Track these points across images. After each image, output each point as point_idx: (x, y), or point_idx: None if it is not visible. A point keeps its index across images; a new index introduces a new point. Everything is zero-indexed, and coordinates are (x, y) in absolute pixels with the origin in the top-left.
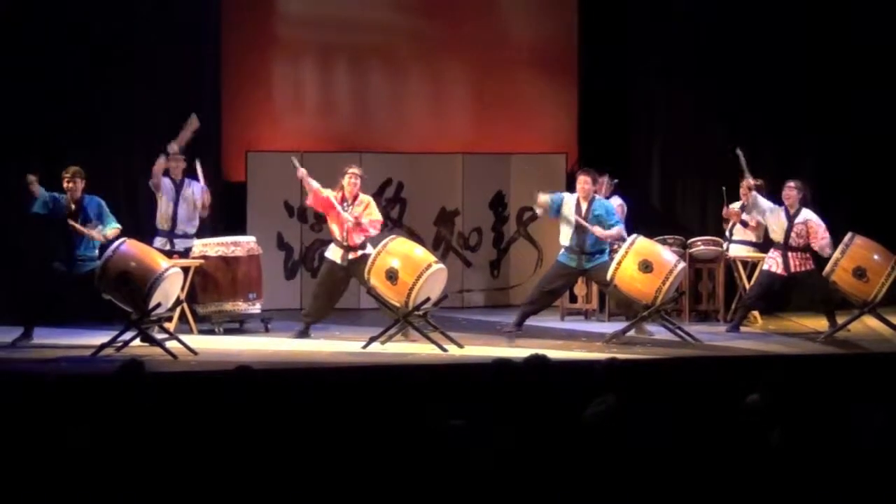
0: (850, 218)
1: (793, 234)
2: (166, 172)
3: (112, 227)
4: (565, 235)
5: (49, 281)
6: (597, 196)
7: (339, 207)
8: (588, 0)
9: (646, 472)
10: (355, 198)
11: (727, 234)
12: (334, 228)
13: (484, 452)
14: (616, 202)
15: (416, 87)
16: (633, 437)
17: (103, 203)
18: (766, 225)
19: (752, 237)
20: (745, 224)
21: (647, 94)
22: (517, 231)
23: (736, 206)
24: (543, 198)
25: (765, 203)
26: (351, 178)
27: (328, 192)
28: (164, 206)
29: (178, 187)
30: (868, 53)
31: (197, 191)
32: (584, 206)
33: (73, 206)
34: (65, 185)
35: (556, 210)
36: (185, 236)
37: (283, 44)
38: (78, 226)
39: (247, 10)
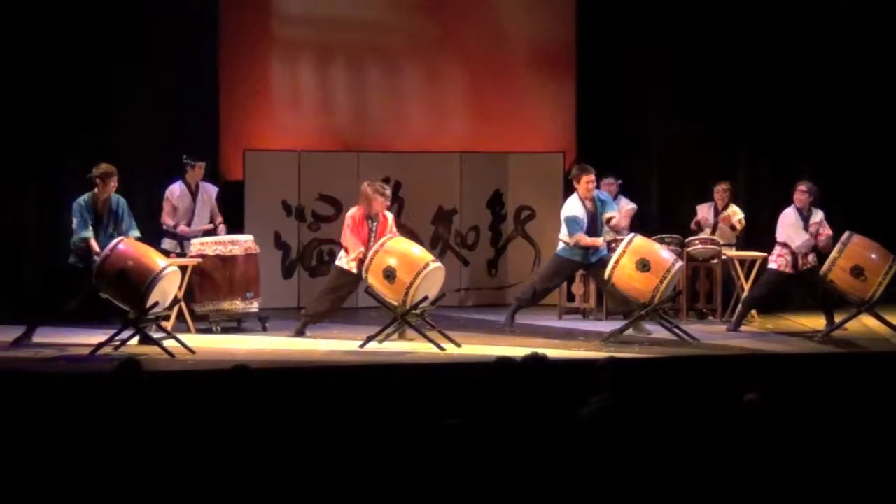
0: (847, 217)
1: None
2: (183, 178)
3: (133, 235)
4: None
5: (69, 280)
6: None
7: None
8: None
9: (643, 471)
10: (377, 214)
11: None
12: (357, 245)
13: (482, 450)
14: (628, 206)
15: (414, 86)
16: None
17: (127, 205)
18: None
19: (732, 239)
20: (733, 228)
21: (645, 93)
22: (515, 230)
23: (706, 206)
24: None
25: (797, 234)
26: (386, 203)
27: (352, 221)
28: (179, 213)
29: (194, 193)
30: (864, 54)
31: (212, 193)
32: (588, 204)
33: (99, 207)
34: (98, 182)
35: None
36: (194, 236)
37: (281, 43)
38: None
39: (245, 10)
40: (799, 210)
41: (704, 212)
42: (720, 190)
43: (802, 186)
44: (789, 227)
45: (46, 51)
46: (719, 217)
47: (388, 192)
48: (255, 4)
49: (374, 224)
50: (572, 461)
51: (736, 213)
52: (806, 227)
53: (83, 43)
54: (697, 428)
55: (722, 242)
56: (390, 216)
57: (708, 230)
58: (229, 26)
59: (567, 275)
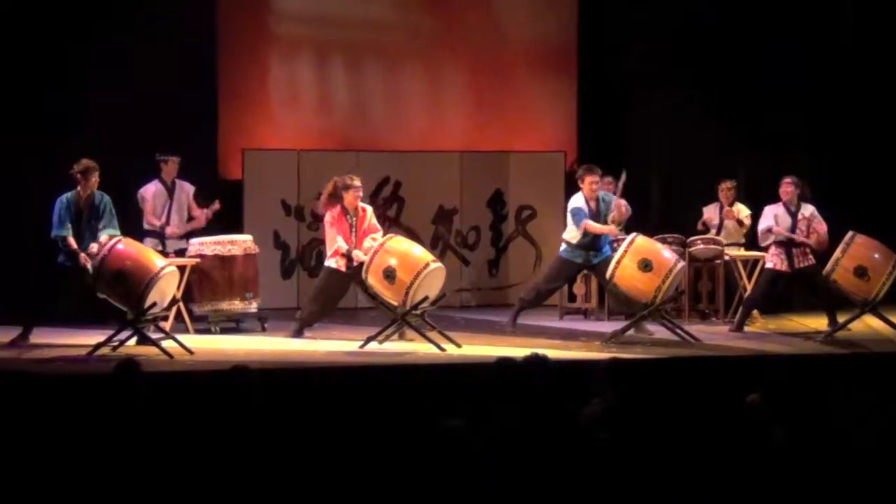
0: (850, 217)
1: (797, 231)
2: (158, 175)
3: (108, 232)
4: (574, 233)
5: (58, 279)
6: (600, 192)
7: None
8: None
9: (645, 473)
10: (355, 208)
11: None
12: (339, 239)
13: (483, 452)
14: (623, 202)
15: (413, 85)
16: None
17: (110, 203)
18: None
19: (740, 239)
20: (740, 223)
21: (646, 92)
22: (515, 230)
23: (713, 206)
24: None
25: (773, 224)
26: (357, 193)
27: (332, 218)
28: (156, 210)
29: (171, 190)
30: (868, 51)
31: (189, 192)
32: (591, 204)
33: (82, 205)
34: (79, 179)
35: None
36: (179, 238)
37: (279, 41)
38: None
39: (243, 7)
40: (786, 205)
41: (710, 212)
42: (724, 188)
43: (787, 179)
44: (763, 217)
45: (42, 48)
46: (723, 213)
47: (357, 181)
48: (253, 2)
49: (354, 219)
50: (573, 463)
51: (742, 211)
52: (793, 223)
53: (80, 41)
54: (699, 430)
55: (726, 242)
56: (369, 209)
57: (713, 230)
58: (228, 24)
59: (570, 276)
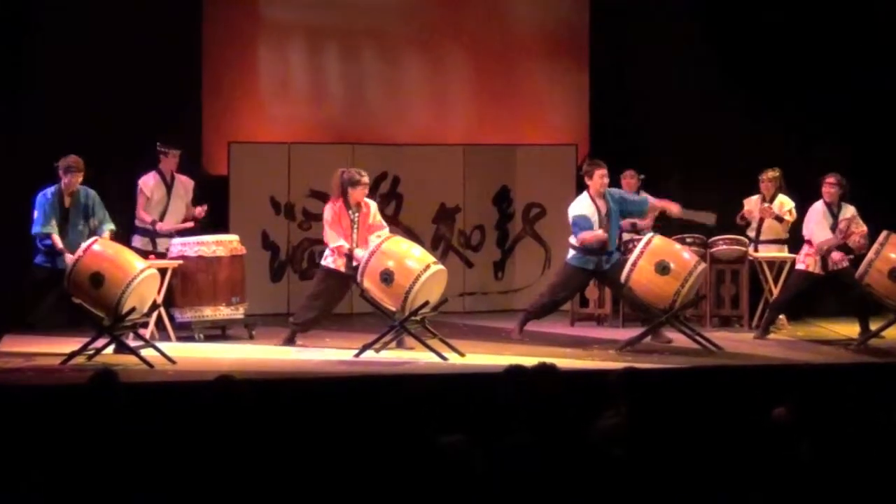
0: (885, 217)
1: (836, 232)
2: (156, 167)
3: (108, 228)
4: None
5: (35, 282)
6: (606, 189)
7: (352, 219)
8: None
9: (661, 491)
10: (358, 204)
11: (753, 233)
12: (338, 239)
13: (485, 469)
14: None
15: (413, 74)
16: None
17: (98, 197)
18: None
19: (782, 234)
20: (779, 220)
21: (662, 83)
22: (523, 229)
23: (755, 199)
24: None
25: (821, 231)
26: (365, 190)
27: (332, 214)
28: (152, 205)
29: (169, 184)
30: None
31: (189, 187)
32: (600, 203)
33: (67, 202)
34: (62, 174)
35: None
36: (169, 235)
37: (269, 25)
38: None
39: None
40: (828, 205)
41: (751, 205)
42: (766, 179)
43: (831, 178)
44: (814, 222)
45: (22, 41)
46: (759, 210)
47: (366, 178)
48: None
49: (356, 214)
50: (585, 481)
51: (784, 204)
52: (835, 224)
53: (59, 27)
54: (721, 445)
55: (766, 239)
56: (373, 205)
57: (754, 224)
58: (213, 8)
59: (579, 285)
